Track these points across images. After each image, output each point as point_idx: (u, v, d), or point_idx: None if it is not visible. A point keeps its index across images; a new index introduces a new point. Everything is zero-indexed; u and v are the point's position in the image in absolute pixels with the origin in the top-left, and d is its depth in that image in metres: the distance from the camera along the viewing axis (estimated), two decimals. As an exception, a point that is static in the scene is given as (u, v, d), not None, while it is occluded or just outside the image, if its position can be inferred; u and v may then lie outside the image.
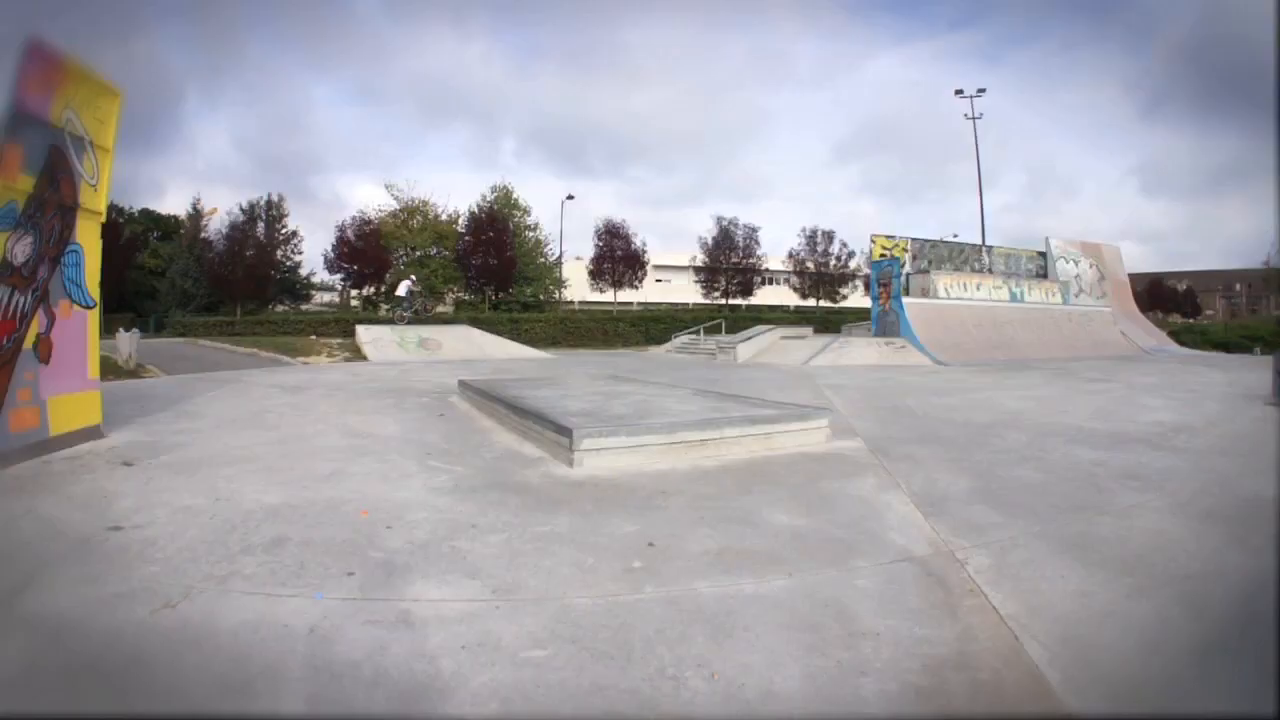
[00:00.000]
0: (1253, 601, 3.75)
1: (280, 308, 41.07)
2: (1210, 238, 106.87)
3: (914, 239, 28.65)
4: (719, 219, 49.05)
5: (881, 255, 27.77)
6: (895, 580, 3.99)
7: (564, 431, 6.30)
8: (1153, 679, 3.04)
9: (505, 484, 5.75)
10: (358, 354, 21.56)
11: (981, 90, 41.51)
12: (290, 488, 5.51)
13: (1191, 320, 56.43)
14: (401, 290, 28.69)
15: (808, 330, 30.74)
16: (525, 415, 7.46)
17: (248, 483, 5.63)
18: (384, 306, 40.62)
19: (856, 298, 49.39)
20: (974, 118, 41.61)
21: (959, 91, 41.67)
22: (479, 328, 26.02)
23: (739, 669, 3.01)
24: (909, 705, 2.81)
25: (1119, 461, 7.11)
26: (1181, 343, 34.87)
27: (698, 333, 30.37)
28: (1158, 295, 55.72)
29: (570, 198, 48.94)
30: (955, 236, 30.84)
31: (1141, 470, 6.74)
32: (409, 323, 25.31)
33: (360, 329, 23.51)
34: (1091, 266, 33.54)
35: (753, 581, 3.86)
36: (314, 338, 25.44)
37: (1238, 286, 73.88)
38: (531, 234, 46.97)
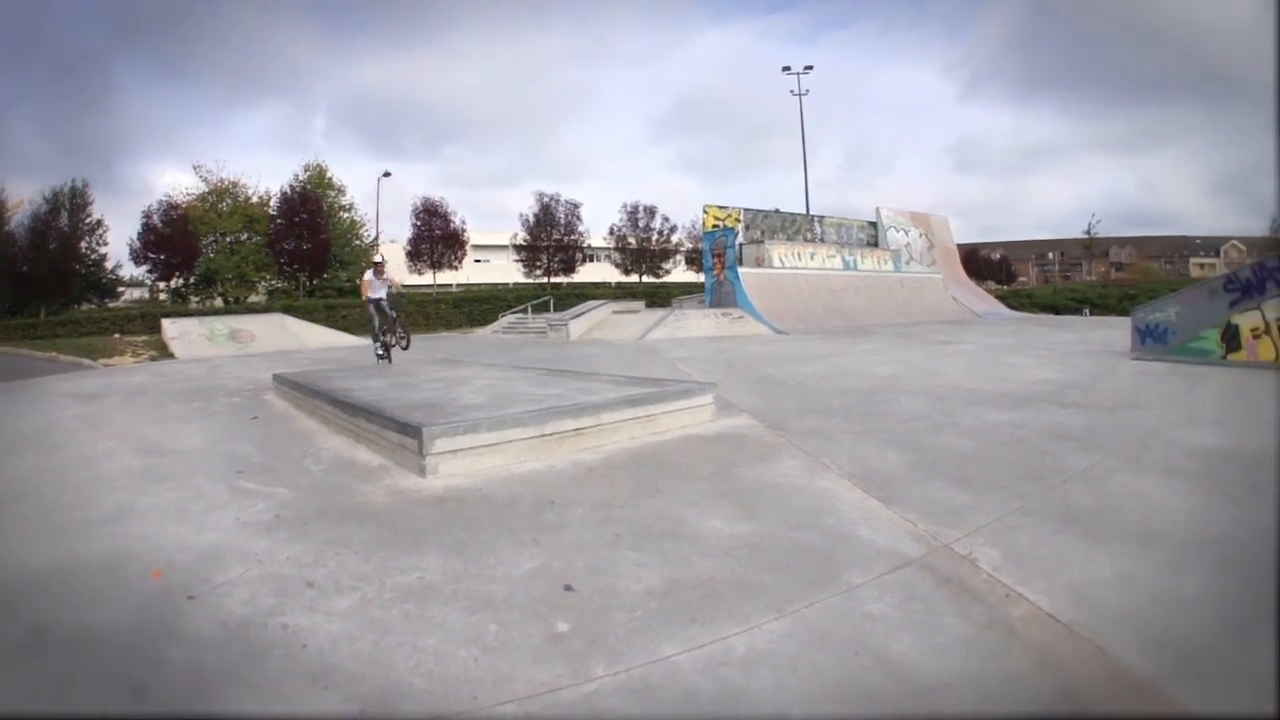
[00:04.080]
0: None
1: (87, 306, 40.27)
2: (1022, 211, 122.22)
3: (746, 209, 30.41)
4: (540, 195, 50.79)
5: (714, 226, 29.15)
6: (912, 596, 3.45)
7: (409, 430, 5.61)
8: (1257, 662, 2.79)
9: (343, 509, 4.87)
10: (165, 351, 21.48)
11: (809, 67, 46.10)
12: (62, 540, 4.42)
13: (1005, 286, 63.60)
14: (375, 290, 14.14)
15: (639, 304, 31.84)
16: (356, 413, 6.83)
17: (5, 538, 4.55)
18: (193, 299, 41.48)
19: (679, 272, 53.27)
20: (800, 94, 45.59)
21: (786, 68, 45.93)
22: (293, 316, 26.43)
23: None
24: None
25: (1036, 422, 7.28)
26: (1010, 306, 39.31)
27: (525, 311, 30.84)
28: (974, 264, 62.30)
29: (387, 174, 50.14)
30: (777, 211, 32.68)
31: (1068, 430, 6.89)
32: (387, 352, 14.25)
33: (166, 324, 23.45)
34: (921, 235, 37.28)
35: (738, 631, 3.13)
36: (118, 336, 24.78)
37: (1050, 255, 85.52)
38: (346, 215, 48.25)
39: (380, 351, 13.91)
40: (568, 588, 3.56)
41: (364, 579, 3.70)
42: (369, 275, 14.13)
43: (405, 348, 13.86)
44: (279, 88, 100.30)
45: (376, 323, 14.02)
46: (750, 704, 2.63)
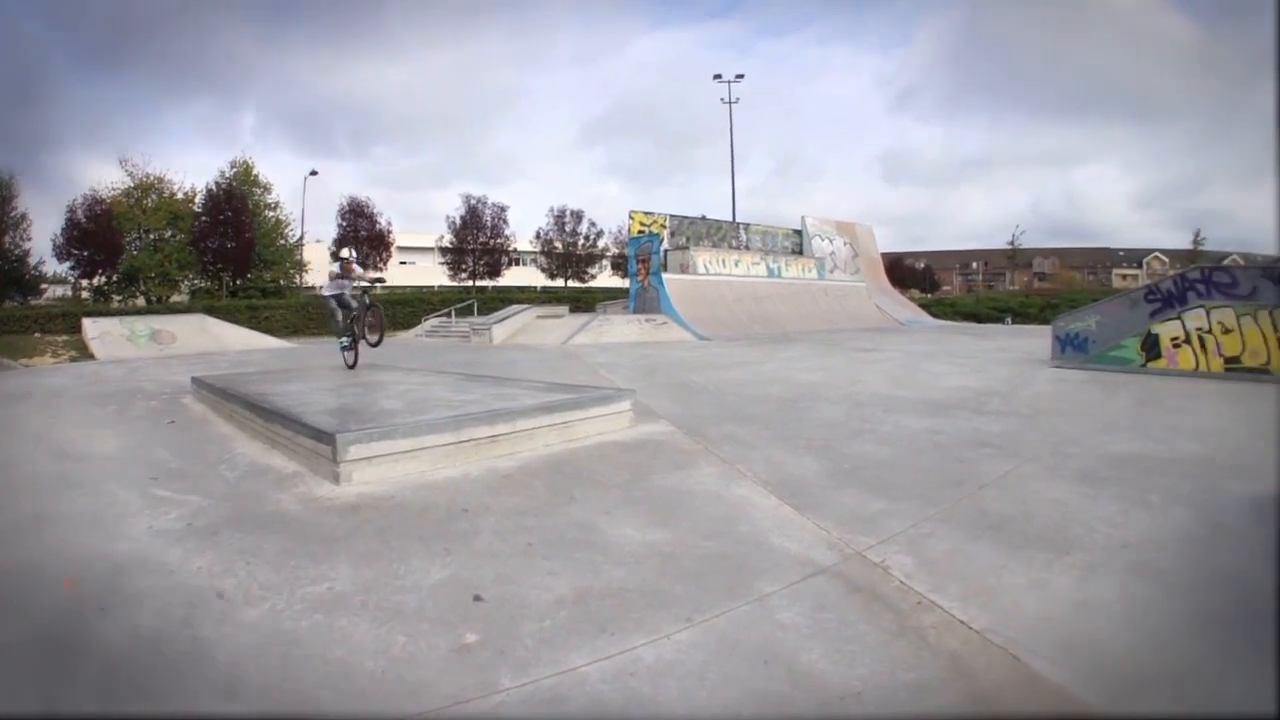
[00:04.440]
0: (1205, 560, 4.00)
1: (9, 303, 39.02)
2: (949, 221, 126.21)
3: (672, 215, 30.54)
4: (467, 198, 51.25)
5: (640, 232, 29.22)
6: (823, 604, 3.44)
7: (323, 437, 5.57)
8: (1171, 666, 2.94)
9: (256, 517, 4.80)
10: (85, 352, 21.21)
11: (740, 75, 47.58)
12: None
13: (929, 295, 65.49)
14: (330, 288, 12.73)
15: (563, 309, 31.80)
16: (272, 418, 6.76)
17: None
18: (116, 298, 40.52)
19: (605, 277, 53.91)
20: (731, 102, 46.32)
21: (717, 76, 46.38)
22: (215, 316, 26.00)
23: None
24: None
25: (954, 429, 7.40)
26: (934, 314, 40.52)
27: (449, 315, 30.77)
28: (899, 273, 64.12)
29: (314, 173, 49.37)
30: (704, 218, 32.99)
31: (985, 437, 7.02)
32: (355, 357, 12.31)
33: (87, 323, 22.73)
34: (846, 244, 38.07)
35: (647, 641, 3.11)
36: (38, 335, 24.40)
37: (975, 265, 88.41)
38: (272, 214, 47.55)
39: (345, 343, 12.06)
40: (477, 598, 3.52)
41: (274, 590, 3.63)
42: (333, 269, 12.71)
43: (375, 344, 12.03)
44: (211, 81, 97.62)
45: (339, 317, 12.15)
46: (657, 715, 2.63)
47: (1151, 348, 12.54)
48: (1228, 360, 11.86)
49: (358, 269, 12.65)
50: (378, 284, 13.18)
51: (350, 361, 11.81)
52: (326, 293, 12.43)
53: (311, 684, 2.80)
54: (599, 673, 2.86)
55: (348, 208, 47.11)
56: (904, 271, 66.05)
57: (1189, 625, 3.22)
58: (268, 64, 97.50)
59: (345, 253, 12.99)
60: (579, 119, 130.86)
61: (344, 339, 12.08)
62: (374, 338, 11.99)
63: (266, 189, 47.67)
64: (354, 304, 12.09)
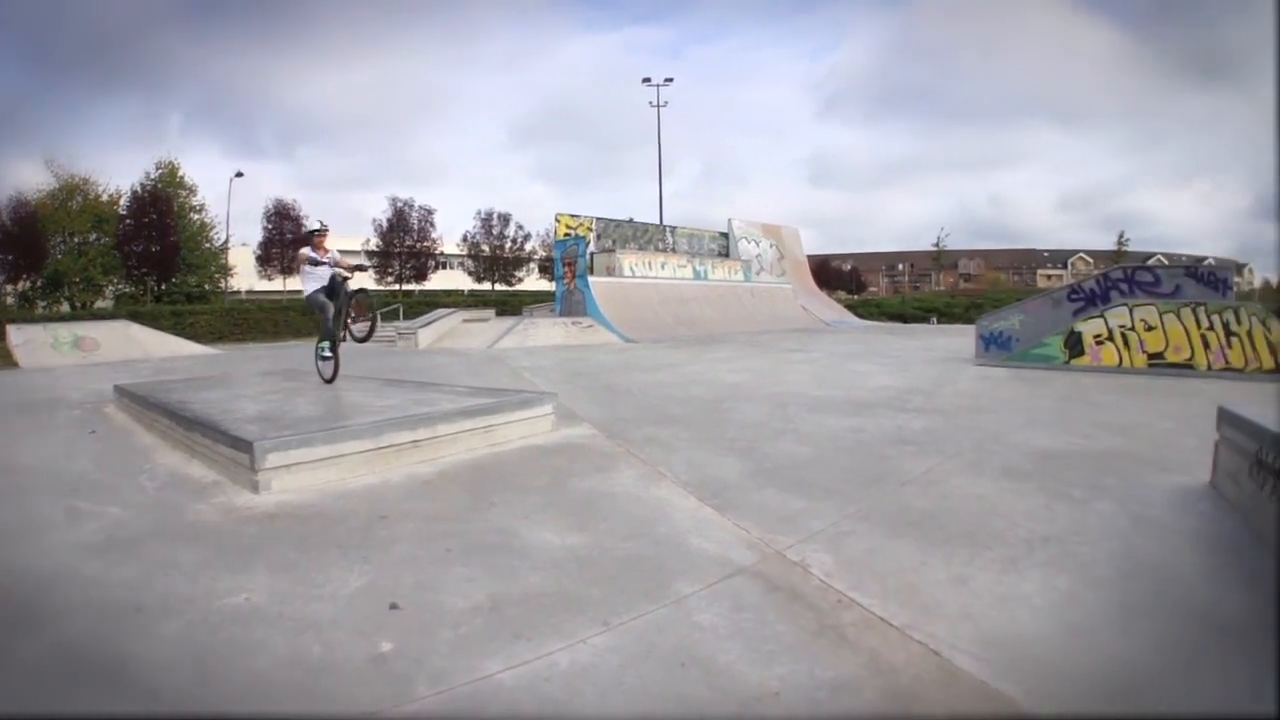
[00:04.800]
0: (1127, 551, 4.03)
1: None
2: (875, 224, 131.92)
3: (599, 218, 30.79)
4: (394, 200, 51.89)
5: (566, 234, 29.37)
6: (742, 605, 3.43)
7: (241, 445, 5.55)
8: (1095, 658, 2.95)
9: (175, 529, 4.76)
10: (9, 360, 20.95)
11: (669, 79, 47.50)
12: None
13: (856, 296, 66.52)
14: (312, 279, 9.84)
15: (490, 313, 31.96)
16: (192, 427, 6.73)
17: None
18: (40, 304, 40.89)
19: (532, 281, 54.45)
20: (659, 105, 47.10)
21: (646, 80, 47.14)
22: (139, 323, 25.70)
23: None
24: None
25: (877, 428, 7.51)
26: (860, 315, 41.29)
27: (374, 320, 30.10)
28: (825, 274, 65.32)
29: (239, 174, 49.41)
30: (631, 220, 33.44)
31: (908, 435, 7.15)
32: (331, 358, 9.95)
33: (11, 330, 22.28)
34: (772, 246, 38.69)
35: (563, 646, 3.09)
36: None
37: (900, 266, 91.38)
38: (197, 216, 47.72)
39: (326, 353, 9.50)
40: (394, 606, 3.50)
41: (191, 602, 3.59)
42: (305, 252, 9.53)
43: (363, 338, 9.83)
44: (138, 79, 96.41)
45: (330, 313, 9.49)
46: (575, 710, 2.65)
47: (1075, 345, 12.98)
48: (1151, 356, 12.36)
49: (334, 253, 9.84)
50: (359, 270, 10.14)
51: (328, 374, 9.49)
52: (311, 286, 9.55)
53: (228, 697, 2.77)
54: (514, 679, 2.85)
55: (273, 210, 47.51)
56: (831, 273, 67.57)
57: (1112, 617, 3.27)
58: (196, 62, 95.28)
59: (318, 224, 9.82)
60: (508, 121, 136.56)
61: (324, 345, 9.58)
62: (362, 327, 9.83)
63: (192, 190, 47.76)
64: (339, 297, 9.61)
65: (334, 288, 9.49)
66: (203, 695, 2.79)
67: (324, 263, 9.46)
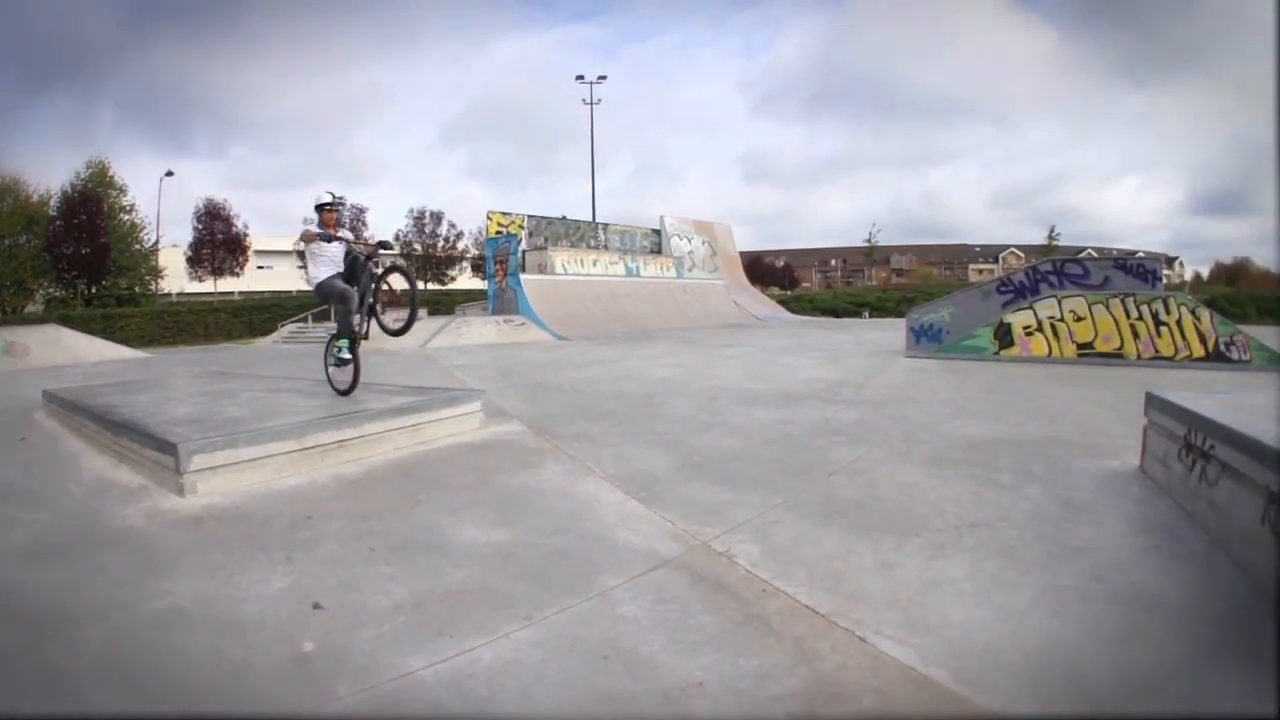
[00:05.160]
0: (1055, 535, 4.11)
1: None
2: (809, 220, 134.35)
3: (530, 216, 30.76)
4: None
5: (498, 232, 29.39)
6: (666, 596, 3.43)
7: (167, 448, 5.51)
8: (1025, 640, 3.00)
9: (101, 535, 4.72)
10: None
11: (603, 77, 47.87)
12: None
13: (789, 292, 67.45)
14: (323, 263, 7.86)
15: (422, 312, 31.34)
16: (119, 430, 6.65)
17: None
18: None
19: (465, 279, 53.57)
20: (593, 103, 47.06)
21: (580, 77, 46.95)
22: (70, 327, 25.19)
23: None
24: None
25: (806, 419, 7.60)
26: (793, 310, 42.09)
27: (306, 320, 30.62)
28: (758, 271, 65.95)
29: (169, 174, 48.72)
30: (564, 218, 33.43)
31: (837, 426, 7.23)
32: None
33: None
34: (704, 243, 39.25)
35: (486, 641, 3.08)
36: None
37: (833, 261, 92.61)
38: (127, 217, 46.03)
39: (345, 354, 7.74)
40: (317, 606, 3.48)
41: (118, 605, 3.58)
42: (311, 229, 7.68)
43: (400, 330, 7.74)
44: (69, 75, 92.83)
45: (351, 303, 7.60)
46: (495, 716, 2.63)
47: (1004, 336, 13.33)
48: (1081, 346, 12.78)
49: (345, 232, 8.28)
50: (383, 250, 8.00)
51: (345, 383, 7.66)
52: (322, 272, 7.75)
53: (151, 699, 2.76)
54: (436, 676, 2.85)
55: (204, 210, 46.33)
56: (764, 269, 68.09)
57: (1041, 599, 3.33)
58: (128, 58, 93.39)
59: (328, 196, 7.92)
60: (441, 119, 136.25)
61: (342, 344, 7.78)
62: (399, 315, 7.81)
63: (122, 190, 46.18)
64: (361, 279, 7.72)
65: (353, 270, 7.72)
66: (129, 700, 2.77)
67: (340, 238, 7.82)
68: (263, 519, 4.78)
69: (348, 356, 7.71)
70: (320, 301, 8.56)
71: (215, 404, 7.80)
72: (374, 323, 7.73)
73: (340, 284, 7.61)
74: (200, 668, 2.96)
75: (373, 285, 7.60)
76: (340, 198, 8.01)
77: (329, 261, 7.71)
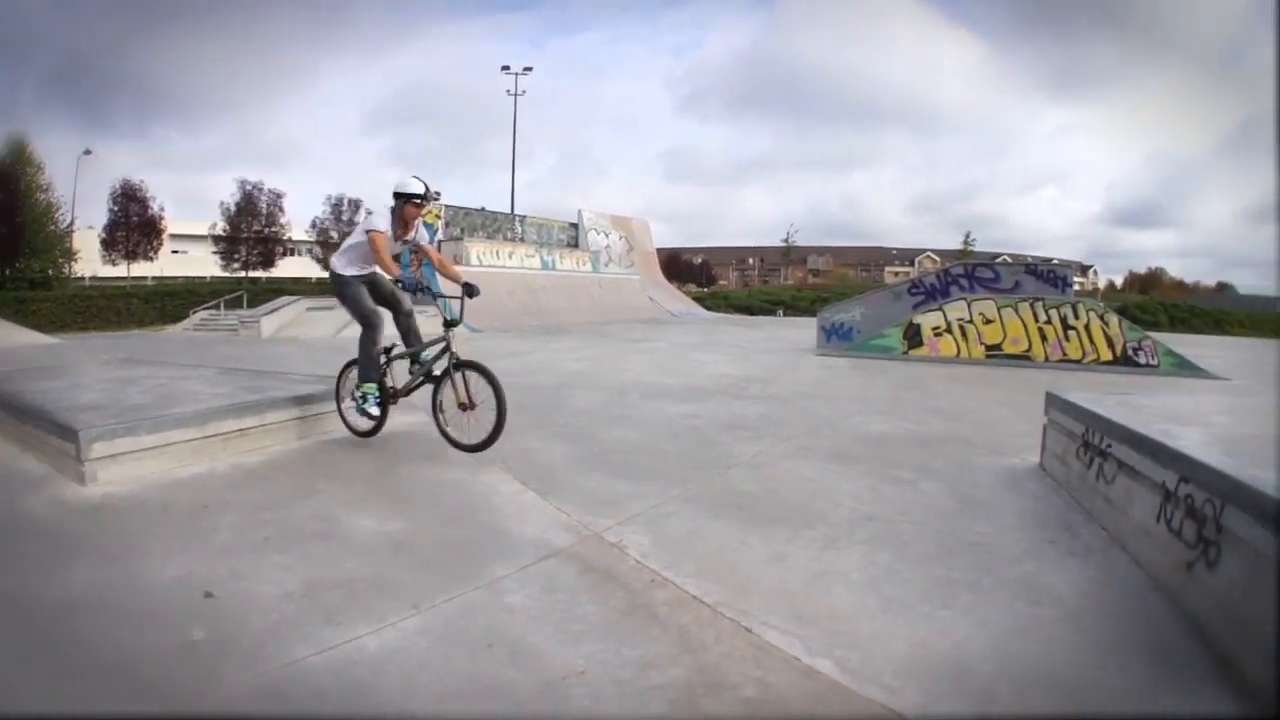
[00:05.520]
0: (951, 529, 4.25)
1: None
2: (728, 218, 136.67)
3: (448, 205, 30.40)
4: (243, 183, 49.53)
5: None
6: (554, 586, 3.46)
7: (68, 435, 5.40)
8: (913, 631, 3.08)
9: (2, 524, 4.65)
10: None
11: (529, 68, 47.19)
12: None
13: (705, 289, 68.11)
14: (353, 256, 6.12)
15: (335, 301, 31.13)
16: (24, 417, 6.49)
17: None
18: None
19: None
20: (517, 94, 46.62)
21: (505, 67, 46.48)
22: None
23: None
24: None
25: (711, 414, 7.70)
26: (708, 307, 42.49)
27: (218, 307, 29.96)
28: (676, 268, 66.38)
29: (88, 152, 46.77)
30: (483, 209, 33.14)
31: (741, 420, 7.35)
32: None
33: None
34: (621, 238, 39.33)
35: (372, 630, 3.11)
36: None
37: (751, 260, 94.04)
38: (43, 196, 43.86)
39: (372, 408, 5.96)
40: (209, 594, 3.48)
41: (11, 599, 3.51)
42: (377, 222, 5.98)
43: (478, 446, 5.43)
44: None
45: (377, 335, 6.16)
46: (378, 703, 2.65)
47: (914, 337, 13.73)
48: (989, 348, 13.24)
49: (423, 233, 6.42)
50: (469, 295, 5.99)
51: (365, 428, 6.14)
52: (349, 269, 6.14)
53: (40, 693, 2.72)
54: (323, 663, 2.87)
55: (120, 191, 44.84)
56: (681, 266, 68.63)
57: (932, 591, 3.42)
58: (54, 28, 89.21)
59: (421, 187, 6.00)
60: (367, 105, 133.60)
61: (368, 391, 5.96)
62: (471, 423, 5.54)
63: (40, 168, 43.99)
64: (406, 304, 6.39)
65: (383, 290, 6.23)
66: (18, 695, 2.70)
67: (409, 241, 6.17)
68: (161, 508, 4.72)
69: (376, 413, 5.99)
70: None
71: (120, 391, 7.65)
72: (437, 420, 5.80)
73: (367, 300, 6.09)
74: (95, 657, 2.95)
75: (441, 376, 5.85)
76: (437, 192, 6.31)
77: (363, 255, 6.05)
